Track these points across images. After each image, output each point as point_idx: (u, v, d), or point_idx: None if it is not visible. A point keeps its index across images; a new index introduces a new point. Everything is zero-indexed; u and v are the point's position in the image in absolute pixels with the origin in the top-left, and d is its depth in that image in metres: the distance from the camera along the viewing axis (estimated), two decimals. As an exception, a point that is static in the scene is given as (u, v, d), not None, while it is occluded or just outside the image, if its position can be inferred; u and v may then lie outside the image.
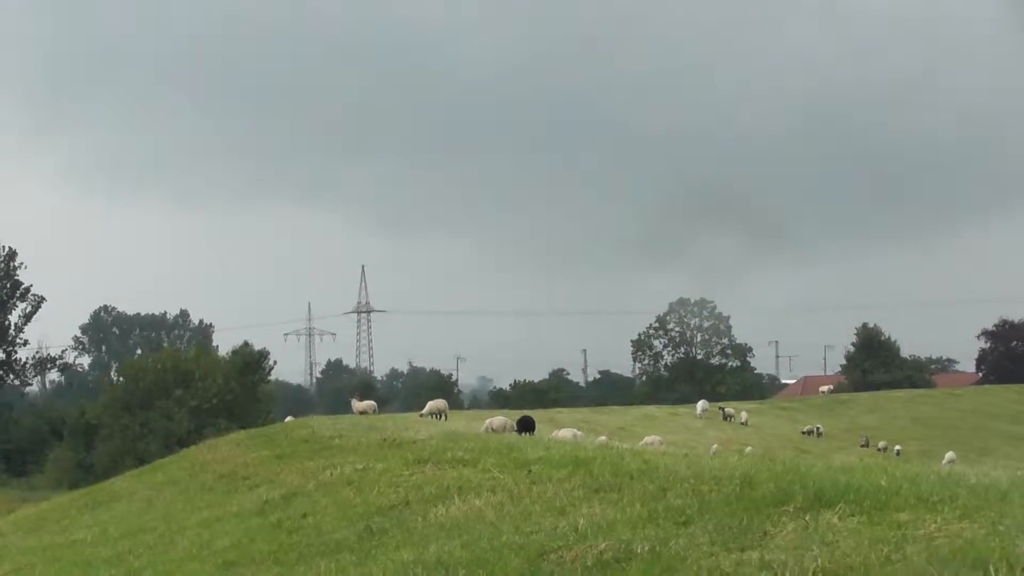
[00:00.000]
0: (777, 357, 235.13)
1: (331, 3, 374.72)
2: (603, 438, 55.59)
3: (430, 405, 67.99)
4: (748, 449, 63.36)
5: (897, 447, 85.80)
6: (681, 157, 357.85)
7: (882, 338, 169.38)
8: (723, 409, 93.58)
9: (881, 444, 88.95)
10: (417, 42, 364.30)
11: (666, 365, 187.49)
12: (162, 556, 23.99)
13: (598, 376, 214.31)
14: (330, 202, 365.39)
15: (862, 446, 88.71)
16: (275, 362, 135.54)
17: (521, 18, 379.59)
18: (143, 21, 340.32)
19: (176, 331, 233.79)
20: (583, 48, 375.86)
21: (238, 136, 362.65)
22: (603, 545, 13.37)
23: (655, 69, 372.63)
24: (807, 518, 13.52)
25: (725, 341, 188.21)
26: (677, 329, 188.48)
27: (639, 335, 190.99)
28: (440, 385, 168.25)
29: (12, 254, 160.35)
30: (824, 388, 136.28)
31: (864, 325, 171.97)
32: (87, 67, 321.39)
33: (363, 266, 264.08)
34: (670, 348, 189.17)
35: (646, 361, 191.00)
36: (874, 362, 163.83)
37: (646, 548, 12.89)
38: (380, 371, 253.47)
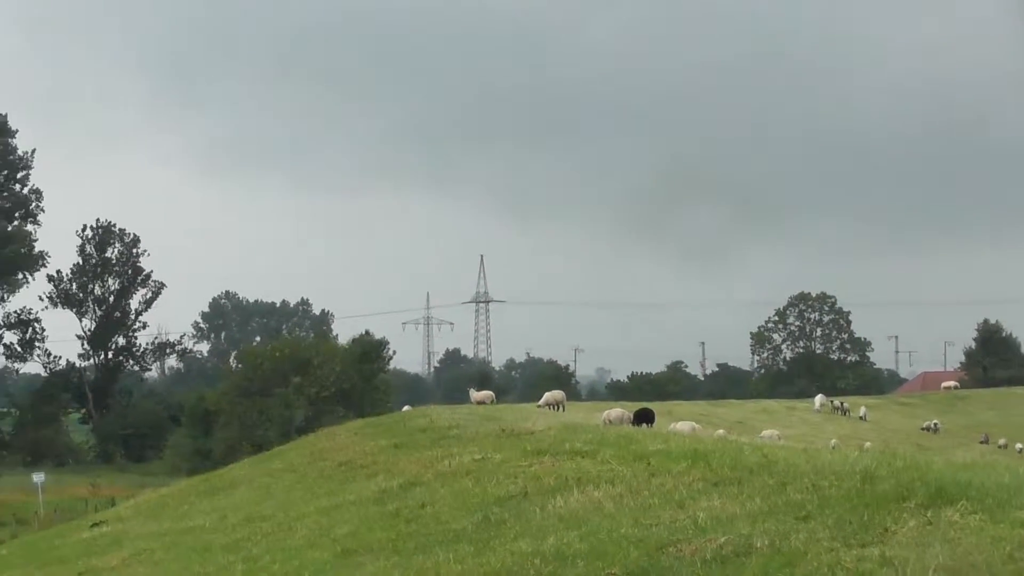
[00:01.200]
0: (896, 352, 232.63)
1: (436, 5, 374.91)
2: (721, 431, 55.40)
3: (547, 396, 68.06)
4: (867, 444, 62.79)
5: (1018, 445, 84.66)
6: (800, 156, 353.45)
7: (1003, 335, 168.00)
8: (841, 404, 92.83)
9: (1001, 441, 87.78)
10: (538, 28, 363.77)
11: (785, 359, 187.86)
12: (280, 543, 24.25)
13: (716, 369, 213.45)
14: (450, 190, 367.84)
15: (982, 443, 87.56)
16: (394, 351, 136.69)
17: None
18: (268, 6, 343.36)
19: (295, 318, 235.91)
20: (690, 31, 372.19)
21: (360, 121, 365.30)
22: (722, 539, 13.42)
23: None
24: (928, 515, 13.47)
25: (844, 336, 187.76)
26: (797, 323, 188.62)
27: (759, 328, 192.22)
28: (557, 376, 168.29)
29: (135, 240, 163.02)
30: (948, 384, 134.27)
31: (985, 321, 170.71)
32: (209, 49, 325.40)
33: (482, 256, 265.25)
34: (789, 342, 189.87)
35: (765, 355, 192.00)
36: (995, 359, 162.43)
37: (766, 543, 12.93)
38: (498, 361, 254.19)
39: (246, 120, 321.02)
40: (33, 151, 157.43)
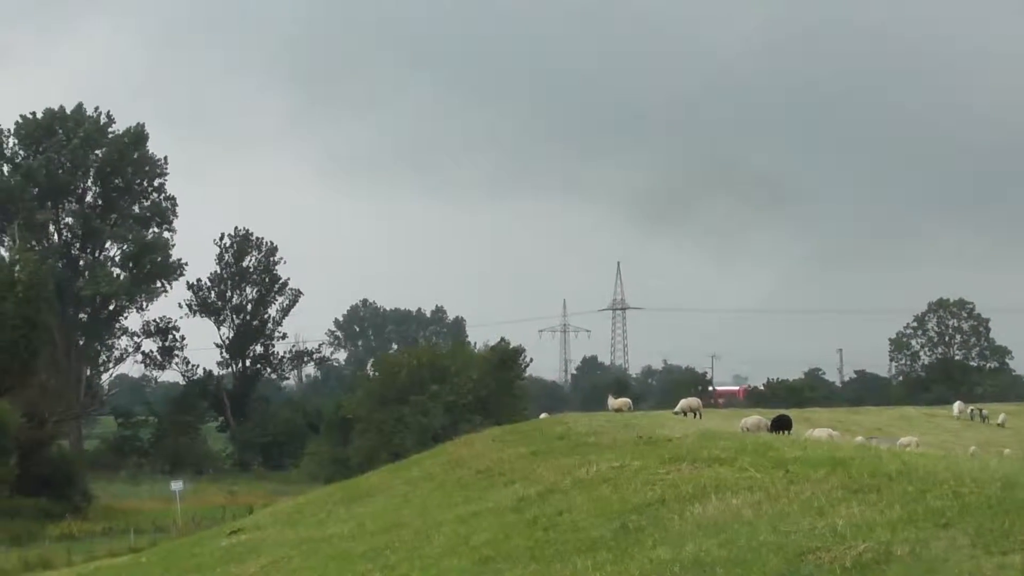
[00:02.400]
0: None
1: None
2: (860, 438, 54.89)
3: (683, 403, 67.95)
4: (1007, 451, 61.82)
5: None
6: (918, 155, 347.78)
7: None
8: (980, 411, 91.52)
9: None
10: (658, 27, 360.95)
11: (923, 365, 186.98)
12: (419, 551, 24.52)
13: (854, 376, 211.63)
14: (586, 196, 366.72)
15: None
16: (531, 359, 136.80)
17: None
18: (399, 11, 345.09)
19: (432, 326, 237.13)
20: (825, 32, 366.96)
21: (496, 128, 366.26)
22: (862, 546, 13.46)
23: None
24: (1072, 523, 13.42)
25: (984, 342, 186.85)
26: (936, 329, 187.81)
27: (897, 334, 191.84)
28: (696, 382, 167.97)
29: (273, 249, 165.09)
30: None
31: None
32: (344, 57, 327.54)
33: (618, 263, 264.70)
34: (927, 348, 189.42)
35: (903, 361, 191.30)
36: None
37: (906, 550, 12.96)
38: (634, 368, 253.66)
39: (380, 127, 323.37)
40: (165, 158, 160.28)
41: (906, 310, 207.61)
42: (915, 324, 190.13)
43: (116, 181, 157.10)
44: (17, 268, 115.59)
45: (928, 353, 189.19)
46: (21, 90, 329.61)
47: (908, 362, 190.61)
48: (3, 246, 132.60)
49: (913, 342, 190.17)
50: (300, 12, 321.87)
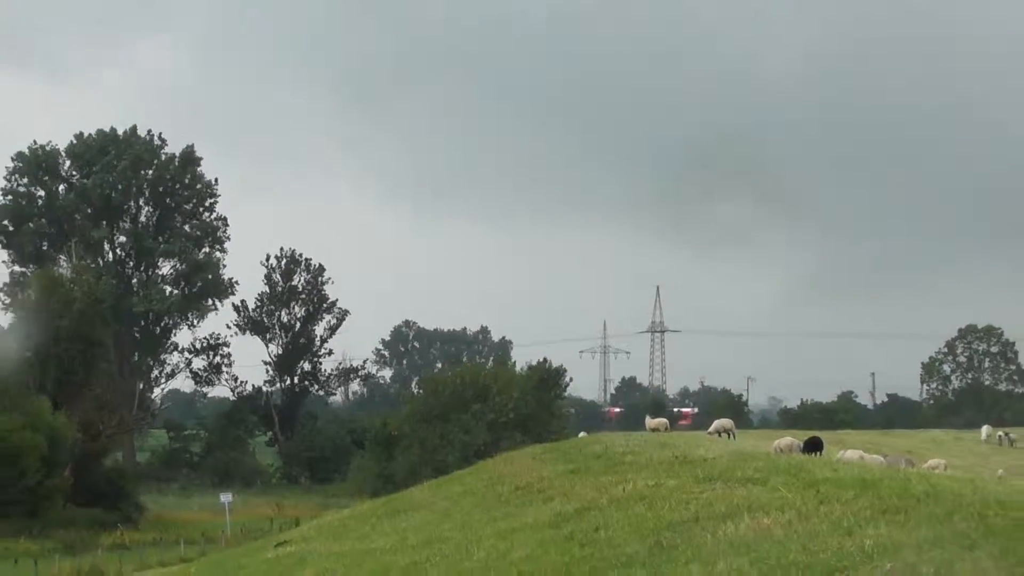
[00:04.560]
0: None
1: (638, 15, 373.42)
2: (879, 457, 54.61)
3: (716, 424, 67.86)
4: (1034, 475, 61.48)
5: None
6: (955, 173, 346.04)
7: None
8: (1008, 435, 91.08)
9: None
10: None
11: (954, 390, 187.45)
12: (457, 566, 24.63)
13: (886, 399, 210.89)
14: (627, 221, 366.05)
15: None
16: (571, 379, 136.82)
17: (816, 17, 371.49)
18: (451, 31, 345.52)
19: (476, 346, 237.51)
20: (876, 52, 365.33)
21: (538, 152, 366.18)
22: (889, 566, 13.50)
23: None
24: (1093, 545, 13.44)
25: (1012, 367, 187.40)
26: (965, 355, 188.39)
27: (929, 359, 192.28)
28: (731, 404, 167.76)
29: (320, 269, 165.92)
30: None
31: None
32: (392, 80, 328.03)
33: (658, 287, 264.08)
34: (958, 373, 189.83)
35: (934, 385, 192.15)
36: None
37: (931, 571, 12.99)
38: (672, 389, 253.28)
39: (426, 151, 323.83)
40: (216, 180, 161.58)
41: (937, 336, 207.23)
42: (945, 349, 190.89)
43: (168, 201, 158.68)
44: (74, 286, 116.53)
45: (959, 378, 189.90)
46: (78, 111, 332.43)
47: (939, 386, 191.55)
48: (60, 264, 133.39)
49: (944, 367, 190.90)
50: (352, 35, 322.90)
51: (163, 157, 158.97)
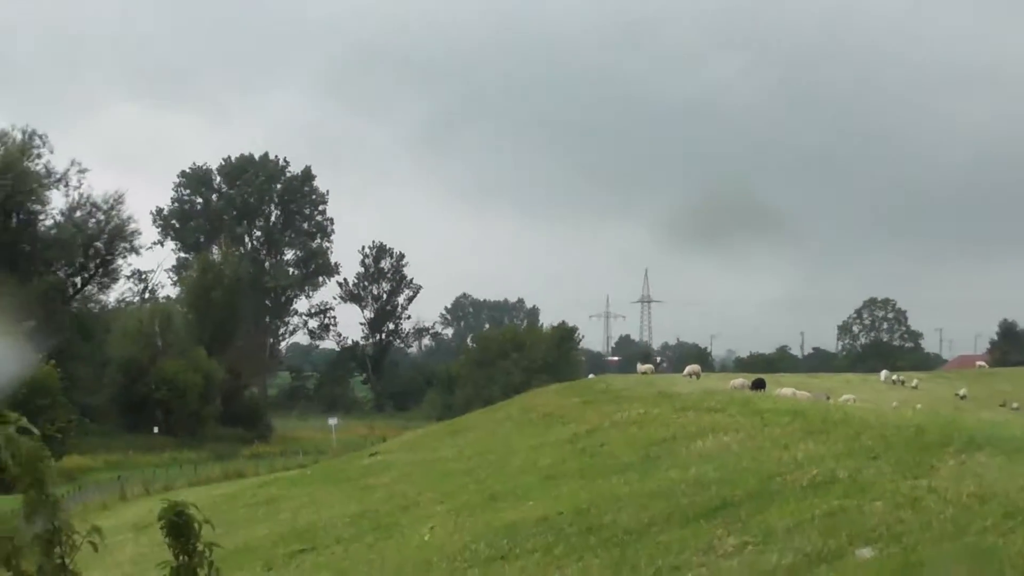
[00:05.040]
0: (940, 341, 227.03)
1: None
2: (807, 394, 54.43)
3: (688, 368, 67.44)
4: (918, 406, 60.81)
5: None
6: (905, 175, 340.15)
7: (1017, 329, 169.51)
8: (899, 377, 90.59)
9: (1014, 405, 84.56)
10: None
11: (861, 345, 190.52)
12: (500, 470, 24.72)
13: (811, 351, 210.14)
14: (626, 221, 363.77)
15: (1000, 406, 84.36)
16: (583, 336, 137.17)
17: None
18: (507, 83, 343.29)
19: (514, 312, 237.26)
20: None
21: (562, 168, 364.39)
22: (814, 471, 13.52)
23: None
24: (963, 457, 13.40)
25: (904, 328, 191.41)
26: (869, 319, 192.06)
27: (843, 322, 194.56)
28: (699, 354, 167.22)
29: (401, 256, 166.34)
30: (979, 363, 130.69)
31: (1004, 320, 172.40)
32: (465, 105, 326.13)
33: (646, 269, 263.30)
34: (864, 332, 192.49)
35: (847, 341, 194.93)
36: (1011, 346, 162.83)
37: (846, 475, 13.00)
38: (656, 343, 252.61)
39: (479, 167, 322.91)
40: (328, 191, 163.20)
41: (848, 305, 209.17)
42: (855, 315, 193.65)
43: (291, 207, 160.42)
44: (223, 268, 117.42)
45: (864, 336, 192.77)
46: (224, 139, 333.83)
47: (850, 342, 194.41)
48: (213, 252, 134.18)
49: (854, 328, 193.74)
50: (427, 89, 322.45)
51: (287, 174, 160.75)
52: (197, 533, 5.79)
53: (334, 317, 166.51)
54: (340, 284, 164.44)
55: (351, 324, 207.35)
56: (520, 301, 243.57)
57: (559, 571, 11.77)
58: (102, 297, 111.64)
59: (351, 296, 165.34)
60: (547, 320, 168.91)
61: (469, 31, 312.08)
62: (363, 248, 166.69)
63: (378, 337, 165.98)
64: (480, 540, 14.85)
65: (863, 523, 10.33)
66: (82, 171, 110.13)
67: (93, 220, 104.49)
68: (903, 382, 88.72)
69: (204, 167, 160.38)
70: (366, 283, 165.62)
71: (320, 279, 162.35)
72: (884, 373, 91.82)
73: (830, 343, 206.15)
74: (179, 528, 5.77)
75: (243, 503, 33.65)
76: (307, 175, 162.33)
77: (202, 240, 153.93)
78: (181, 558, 5.75)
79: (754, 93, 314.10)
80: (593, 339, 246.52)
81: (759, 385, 53.97)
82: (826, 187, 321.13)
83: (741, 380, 57.09)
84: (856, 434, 16.88)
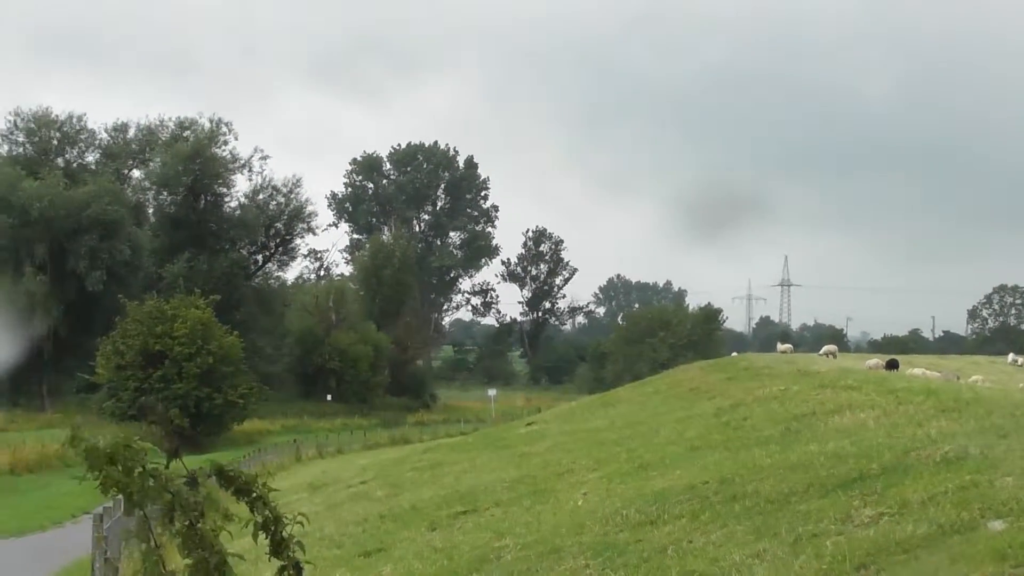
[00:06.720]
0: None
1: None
2: (938, 374, 52.71)
3: (825, 348, 66.83)
4: (1044, 388, 58.52)
5: None
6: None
7: None
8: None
9: None
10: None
11: (989, 328, 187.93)
12: (649, 441, 24.81)
13: (942, 334, 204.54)
14: (767, 214, 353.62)
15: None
16: (727, 317, 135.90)
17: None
18: (642, 82, 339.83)
19: (661, 293, 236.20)
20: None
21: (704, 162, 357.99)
22: (947, 448, 13.35)
23: None
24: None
25: None
26: (998, 304, 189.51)
27: (973, 307, 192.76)
28: (835, 336, 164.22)
29: (559, 240, 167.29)
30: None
31: None
32: (614, 106, 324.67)
33: (786, 255, 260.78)
34: (993, 317, 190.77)
35: (976, 325, 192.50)
36: None
37: (977, 451, 12.82)
38: (795, 324, 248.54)
39: (628, 157, 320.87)
40: (488, 178, 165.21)
41: (979, 292, 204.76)
42: (985, 301, 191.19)
43: (457, 192, 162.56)
44: (394, 248, 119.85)
45: (993, 320, 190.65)
46: (393, 128, 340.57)
47: (979, 326, 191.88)
48: (384, 233, 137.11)
49: (983, 312, 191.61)
50: (580, 82, 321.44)
51: (455, 163, 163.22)
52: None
53: (495, 295, 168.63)
54: (504, 263, 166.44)
55: (510, 302, 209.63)
56: (668, 283, 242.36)
57: (704, 536, 11.98)
58: (281, 274, 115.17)
59: (511, 276, 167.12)
60: (693, 302, 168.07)
61: (619, 29, 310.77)
62: (526, 231, 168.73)
63: (535, 315, 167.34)
64: (631, 506, 15.08)
65: (994, 497, 10.23)
66: (264, 157, 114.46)
67: (274, 202, 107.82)
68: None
69: (375, 154, 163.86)
70: (526, 264, 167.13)
71: (482, 260, 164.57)
72: (1011, 356, 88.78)
73: (960, 327, 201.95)
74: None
75: (409, 467, 34.33)
76: (471, 163, 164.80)
77: (373, 222, 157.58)
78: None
79: (886, 83, 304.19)
80: (736, 320, 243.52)
81: (893, 365, 52.85)
82: (954, 181, 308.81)
83: (876, 360, 56.06)
84: (987, 413, 16.55)
